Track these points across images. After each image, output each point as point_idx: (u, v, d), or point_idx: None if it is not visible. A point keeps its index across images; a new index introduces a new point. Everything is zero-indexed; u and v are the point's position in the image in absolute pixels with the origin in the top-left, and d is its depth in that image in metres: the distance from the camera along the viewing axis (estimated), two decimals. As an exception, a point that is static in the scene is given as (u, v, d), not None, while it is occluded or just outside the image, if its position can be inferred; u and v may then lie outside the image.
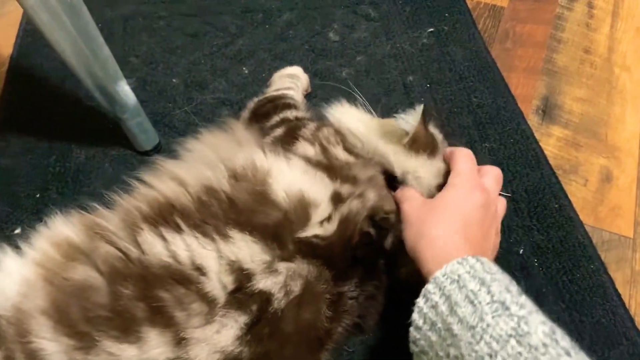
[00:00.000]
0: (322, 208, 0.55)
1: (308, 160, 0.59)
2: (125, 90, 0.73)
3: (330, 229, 0.54)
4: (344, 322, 0.56)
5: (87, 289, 0.48)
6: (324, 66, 0.94)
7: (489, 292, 0.43)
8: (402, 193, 0.59)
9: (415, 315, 0.47)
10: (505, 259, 0.71)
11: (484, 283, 0.44)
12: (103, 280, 0.49)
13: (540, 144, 0.85)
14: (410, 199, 0.57)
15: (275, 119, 0.69)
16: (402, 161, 0.61)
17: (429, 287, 0.47)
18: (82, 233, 0.53)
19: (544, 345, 0.39)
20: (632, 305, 0.70)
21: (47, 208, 0.57)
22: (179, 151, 0.63)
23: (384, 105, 0.88)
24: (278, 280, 0.50)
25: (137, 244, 0.50)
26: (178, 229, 0.51)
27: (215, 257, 0.50)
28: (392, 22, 1.02)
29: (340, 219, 0.55)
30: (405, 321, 0.48)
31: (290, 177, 0.55)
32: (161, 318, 0.47)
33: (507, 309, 0.42)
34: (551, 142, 0.87)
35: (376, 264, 0.59)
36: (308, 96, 0.88)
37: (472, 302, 0.43)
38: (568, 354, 0.39)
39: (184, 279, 0.48)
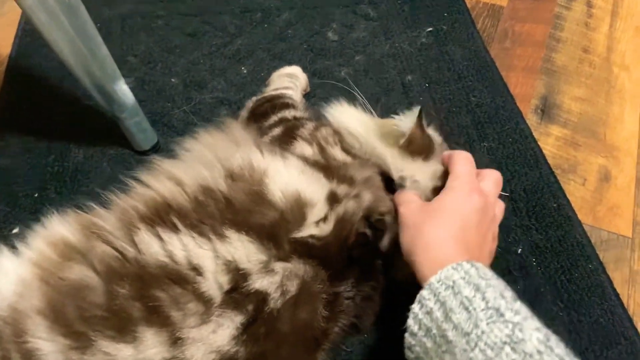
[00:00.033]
0: (318, 208, 0.54)
1: (305, 160, 0.59)
2: (123, 90, 0.72)
3: (326, 229, 0.54)
4: (341, 322, 0.56)
5: (83, 289, 0.48)
6: (323, 66, 0.94)
7: (483, 298, 0.43)
8: (400, 196, 0.59)
9: (410, 321, 0.47)
10: (503, 259, 0.71)
11: (478, 289, 0.44)
12: (99, 279, 0.48)
13: (539, 143, 0.85)
14: (408, 202, 0.57)
15: (274, 118, 0.69)
16: (400, 164, 0.61)
17: (424, 293, 0.47)
18: (78, 232, 0.53)
19: (539, 352, 0.39)
20: (630, 305, 0.70)
21: (45, 208, 0.57)
22: (177, 151, 0.63)
23: (383, 105, 0.88)
24: (274, 280, 0.50)
25: (134, 243, 0.50)
26: (175, 229, 0.51)
27: (212, 256, 0.50)
28: (391, 21, 1.02)
29: (337, 219, 0.55)
30: (403, 321, 0.48)
31: (287, 177, 0.55)
32: (157, 318, 0.47)
33: (502, 315, 0.42)
34: (550, 141, 0.87)
35: (373, 265, 0.59)
36: (307, 95, 0.88)
37: (466, 309, 0.43)
38: None
39: (180, 278, 0.48)
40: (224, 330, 0.48)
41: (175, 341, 0.46)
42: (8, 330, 0.47)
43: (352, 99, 0.73)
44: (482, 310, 0.42)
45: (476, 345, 0.41)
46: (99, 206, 0.57)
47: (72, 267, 0.49)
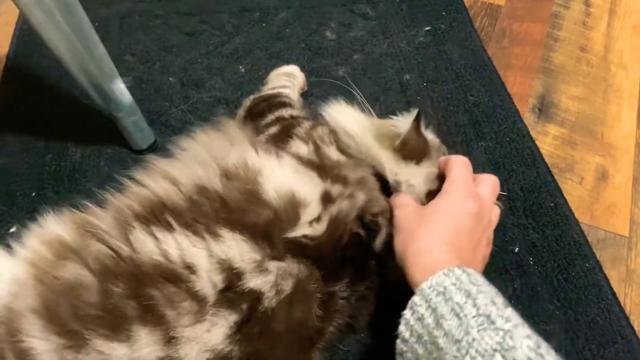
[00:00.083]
0: (312, 207, 0.54)
1: (300, 159, 0.59)
2: (120, 89, 0.73)
3: (319, 229, 0.54)
4: (336, 321, 0.56)
5: (77, 288, 0.48)
6: (321, 65, 0.94)
7: (474, 304, 0.43)
8: (396, 199, 0.59)
9: (402, 327, 0.47)
10: (500, 258, 0.71)
11: (469, 295, 0.44)
12: (94, 278, 0.49)
13: (536, 142, 0.84)
14: (403, 206, 0.57)
15: (270, 117, 0.69)
16: (394, 167, 0.61)
17: (416, 299, 0.47)
18: (73, 231, 0.53)
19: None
20: (627, 304, 0.70)
21: (42, 207, 0.57)
22: (173, 150, 0.63)
23: (381, 104, 0.88)
24: (268, 279, 0.50)
25: (129, 242, 0.51)
26: (169, 228, 0.51)
27: (206, 255, 0.50)
28: (389, 20, 1.02)
29: (330, 219, 0.55)
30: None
31: (282, 176, 0.55)
32: (152, 316, 0.47)
33: (493, 322, 0.42)
34: (547, 140, 0.87)
35: (367, 265, 0.59)
36: (305, 94, 0.88)
37: (457, 315, 0.43)
38: None
39: (175, 277, 0.48)
40: (218, 329, 0.48)
41: (170, 340, 0.46)
42: (2, 330, 0.47)
43: (350, 98, 0.73)
44: (473, 317, 0.42)
45: (467, 352, 0.41)
46: (94, 205, 0.57)
47: (67, 266, 0.49)
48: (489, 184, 0.59)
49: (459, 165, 0.58)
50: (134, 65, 0.92)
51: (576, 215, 0.76)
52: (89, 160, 0.80)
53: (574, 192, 0.80)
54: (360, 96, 0.71)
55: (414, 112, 0.62)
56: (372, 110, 0.69)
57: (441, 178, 0.59)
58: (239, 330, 0.48)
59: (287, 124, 0.67)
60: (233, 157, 0.56)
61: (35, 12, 0.60)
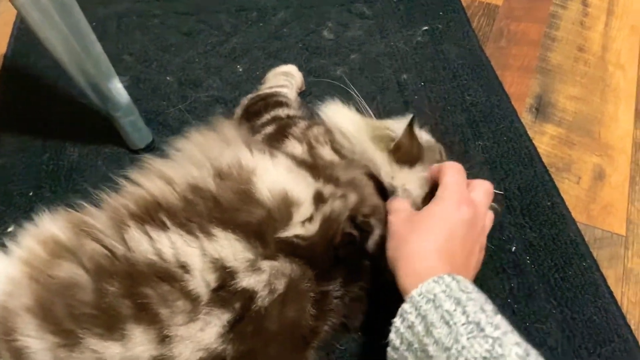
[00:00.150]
0: (305, 207, 0.55)
1: (294, 158, 0.59)
2: (117, 88, 0.73)
3: (311, 229, 0.54)
4: (330, 320, 0.56)
5: (72, 287, 0.48)
6: (318, 64, 0.94)
7: (464, 312, 0.43)
8: (392, 203, 0.59)
9: (392, 335, 0.47)
10: (497, 257, 0.72)
11: (459, 303, 0.44)
12: (88, 277, 0.49)
13: (534, 142, 0.85)
14: (397, 211, 0.57)
15: (266, 116, 0.69)
16: (389, 169, 0.61)
17: (406, 306, 0.47)
18: (68, 231, 0.53)
19: None
20: (624, 303, 0.70)
21: (40, 206, 0.58)
22: (168, 150, 0.63)
23: (378, 103, 0.88)
24: (261, 278, 0.50)
25: (124, 241, 0.51)
26: (164, 227, 0.51)
27: (199, 255, 0.50)
28: (387, 20, 1.02)
29: (322, 219, 0.55)
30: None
31: (275, 176, 0.56)
32: (146, 315, 0.47)
33: (482, 330, 0.42)
34: (544, 140, 0.87)
35: (361, 265, 0.59)
36: (302, 94, 0.88)
37: (447, 323, 0.43)
38: None
39: (169, 276, 0.49)
40: (211, 328, 0.48)
41: (163, 339, 0.46)
42: None
43: (347, 98, 0.73)
44: (463, 324, 0.43)
45: None
46: (90, 205, 0.57)
47: (62, 265, 0.50)
48: (483, 189, 0.59)
49: (452, 171, 0.58)
50: (132, 65, 0.92)
51: (573, 214, 0.76)
52: (87, 159, 0.80)
53: (571, 192, 0.81)
54: (358, 96, 0.71)
55: (409, 116, 0.62)
56: (369, 110, 0.69)
57: (434, 184, 0.59)
58: (232, 330, 0.48)
59: (283, 123, 0.67)
60: (227, 157, 0.57)
61: (33, 12, 0.60)
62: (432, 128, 0.72)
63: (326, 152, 0.61)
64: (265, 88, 0.82)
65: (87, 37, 0.66)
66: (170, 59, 0.94)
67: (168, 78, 0.91)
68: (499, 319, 0.44)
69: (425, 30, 1.01)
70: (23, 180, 0.78)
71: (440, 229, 0.52)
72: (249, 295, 0.49)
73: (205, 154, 0.58)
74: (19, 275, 0.50)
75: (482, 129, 0.86)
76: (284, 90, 0.79)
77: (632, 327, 0.67)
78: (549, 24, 1.04)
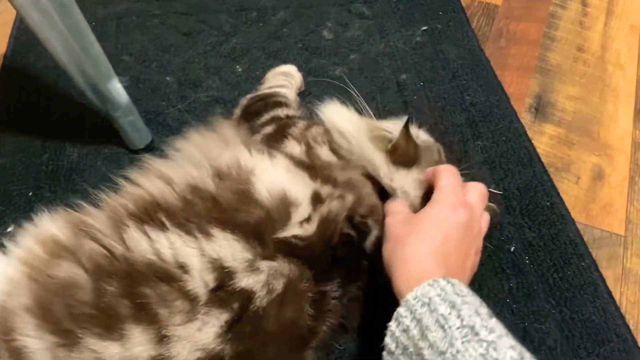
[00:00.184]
0: (303, 208, 0.55)
1: (292, 158, 0.59)
2: (117, 89, 0.73)
3: (309, 229, 0.54)
4: (329, 321, 0.56)
5: (71, 287, 0.48)
6: (318, 64, 0.94)
7: (459, 316, 0.44)
8: (389, 205, 0.59)
9: (387, 339, 0.47)
10: (496, 257, 0.72)
11: (454, 306, 0.44)
12: (87, 277, 0.49)
13: (533, 142, 0.85)
14: (394, 213, 0.57)
15: (266, 117, 0.70)
16: (390, 172, 0.61)
17: (401, 310, 0.47)
18: (67, 230, 0.53)
19: None
20: (622, 303, 0.70)
21: (39, 206, 0.58)
22: (168, 150, 0.63)
23: (378, 103, 0.88)
24: (260, 278, 0.50)
25: (123, 241, 0.51)
26: (163, 227, 0.51)
27: (198, 255, 0.50)
28: (386, 20, 1.02)
29: (320, 220, 0.55)
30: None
31: (274, 176, 0.56)
32: (145, 315, 0.47)
33: (477, 334, 0.42)
34: (544, 140, 0.87)
35: (359, 266, 0.59)
36: (302, 94, 0.88)
37: (442, 327, 0.43)
38: None
39: (168, 276, 0.49)
40: (209, 328, 0.48)
41: (162, 339, 0.46)
42: None
43: (347, 98, 0.73)
44: (457, 328, 0.43)
45: None
46: (90, 205, 0.57)
47: (61, 264, 0.50)
48: (477, 192, 0.59)
49: (447, 174, 0.58)
50: (131, 65, 0.92)
51: (572, 214, 0.76)
52: (86, 160, 0.80)
53: (570, 192, 0.81)
54: (358, 96, 0.71)
55: (404, 118, 0.62)
56: (369, 110, 0.69)
57: (429, 187, 0.59)
58: (230, 330, 0.48)
59: (282, 123, 0.67)
60: (226, 157, 0.57)
61: (32, 13, 0.60)
62: (431, 128, 0.72)
63: (324, 153, 0.61)
64: (265, 88, 0.82)
65: (86, 37, 0.66)
66: (169, 59, 0.94)
67: (167, 78, 0.91)
68: (494, 322, 0.44)
69: (425, 30, 1.01)
70: (22, 180, 0.78)
71: (436, 232, 0.52)
72: (247, 296, 0.49)
73: (205, 154, 0.59)
74: (18, 275, 0.50)
75: (482, 129, 0.86)
76: (283, 91, 0.80)
77: (631, 327, 0.67)
78: (548, 24, 1.04)
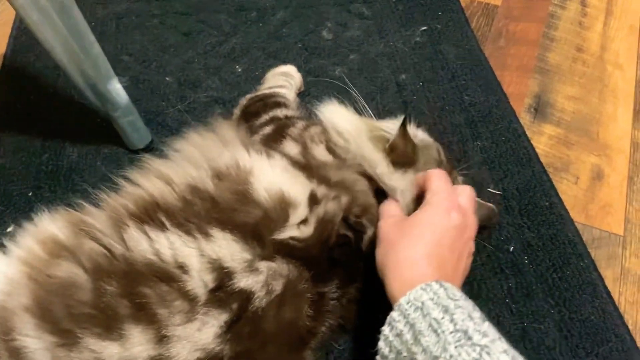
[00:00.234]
0: (301, 209, 0.55)
1: (290, 158, 0.59)
2: (116, 89, 0.73)
3: (306, 231, 0.54)
4: (328, 321, 0.57)
5: (70, 286, 0.48)
6: (317, 64, 0.94)
7: (452, 320, 0.44)
8: (383, 208, 0.59)
9: (381, 344, 0.47)
10: (495, 257, 0.72)
11: (447, 311, 0.44)
12: (87, 277, 0.49)
13: (532, 142, 0.85)
14: (388, 216, 0.57)
15: (265, 117, 0.70)
16: (389, 172, 0.61)
17: (394, 314, 0.47)
18: (67, 230, 0.53)
19: None
20: (621, 303, 0.70)
21: (39, 206, 0.58)
22: (167, 151, 0.63)
23: (378, 104, 0.88)
24: (259, 279, 0.50)
25: (123, 240, 0.51)
26: (162, 227, 0.51)
27: (197, 255, 0.50)
28: (385, 20, 1.02)
29: (317, 221, 0.55)
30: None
31: (272, 176, 0.56)
32: (144, 315, 0.47)
33: (470, 338, 0.42)
34: (543, 140, 0.87)
35: (357, 267, 0.59)
36: (301, 94, 0.88)
37: (435, 331, 0.43)
38: None
39: (167, 276, 0.49)
40: (208, 328, 0.48)
41: (161, 339, 0.47)
42: None
43: (346, 99, 0.74)
44: (451, 333, 0.43)
45: None
46: (90, 204, 0.57)
47: (61, 264, 0.50)
48: (466, 194, 0.59)
49: (438, 177, 0.58)
50: (131, 65, 0.93)
51: (571, 214, 0.77)
52: (86, 160, 0.80)
53: (569, 192, 0.81)
54: (358, 95, 0.71)
55: (401, 117, 0.62)
56: (369, 110, 0.70)
57: (421, 191, 0.59)
58: (230, 330, 0.49)
59: (281, 124, 0.67)
60: (225, 158, 0.57)
61: (32, 13, 0.60)
62: (431, 128, 0.72)
63: (320, 152, 0.61)
64: (264, 88, 0.82)
65: (86, 37, 0.66)
66: (169, 59, 0.94)
67: (167, 78, 0.91)
68: (487, 326, 0.44)
69: (424, 30, 1.01)
70: (22, 180, 0.78)
71: (429, 235, 0.52)
72: (246, 296, 0.49)
73: (204, 154, 0.59)
74: (17, 275, 0.50)
75: (481, 129, 0.86)
76: (282, 91, 0.80)
77: (630, 327, 0.67)
78: (547, 24, 1.04)
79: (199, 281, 0.49)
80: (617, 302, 0.69)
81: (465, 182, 0.70)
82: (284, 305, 0.51)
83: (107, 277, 0.48)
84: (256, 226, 0.52)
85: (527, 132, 0.86)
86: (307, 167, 0.58)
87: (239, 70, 0.93)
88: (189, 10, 1.03)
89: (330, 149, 0.62)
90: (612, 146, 0.86)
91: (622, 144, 0.87)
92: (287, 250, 0.52)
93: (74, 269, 0.49)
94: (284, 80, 0.84)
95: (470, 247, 0.58)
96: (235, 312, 0.49)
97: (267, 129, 0.66)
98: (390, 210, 0.58)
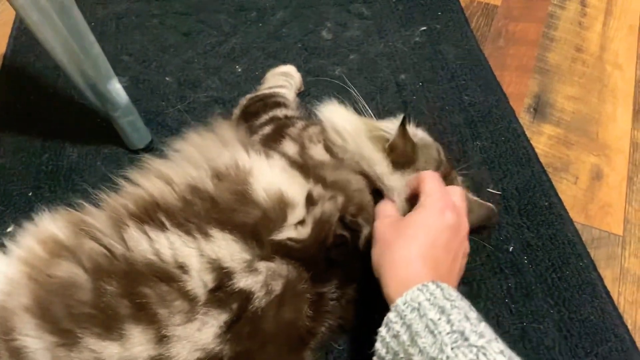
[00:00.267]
0: (298, 209, 0.55)
1: (288, 158, 0.59)
2: (116, 89, 0.73)
3: (304, 232, 0.54)
4: (327, 322, 0.57)
5: (70, 286, 0.48)
6: (317, 64, 0.94)
7: (448, 321, 0.44)
8: (378, 208, 0.59)
9: (378, 345, 0.47)
10: (495, 257, 0.72)
11: (443, 311, 0.44)
12: (87, 277, 0.49)
13: (532, 142, 0.85)
14: (383, 217, 0.57)
15: (264, 117, 0.70)
16: (387, 172, 0.61)
17: (391, 315, 0.47)
18: (68, 230, 0.53)
19: None
20: (620, 303, 0.70)
21: (39, 206, 0.58)
22: (167, 151, 0.64)
23: (377, 103, 0.89)
24: (258, 279, 0.50)
25: (123, 240, 0.51)
26: (162, 227, 0.51)
27: (197, 255, 0.50)
28: (385, 20, 1.02)
29: (314, 222, 0.55)
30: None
31: (270, 176, 0.56)
32: (144, 315, 0.47)
33: (467, 339, 0.42)
34: (542, 140, 0.87)
35: (356, 267, 0.59)
36: (301, 94, 0.89)
37: (432, 332, 0.43)
38: None
39: (167, 276, 0.49)
40: (208, 328, 0.48)
41: (161, 339, 0.47)
42: None
43: (346, 99, 0.74)
44: (447, 334, 0.43)
45: None
46: (90, 204, 0.57)
47: (61, 264, 0.50)
48: (459, 195, 0.59)
49: (431, 178, 0.58)
50: (131, 65, 0.93)
51: (571, 214, 0.77)
52: (86, 160, 0.80)
53: (568, 192, 0.81)
54: (358, 95, 0.71)
55: (400, 117, 0.62)
56: (369, 110, 0.70)
57: (415, 193, 0.59)
58: (229, 330, 0.49)
59: (280, 124, 0.67)
60: (224, 158, 0.57)
61: (31, 13, 0.60)
62: (430, 128, 0.72)
63: (317, 152, 0.61)
64: (264, 88, 0.82)
65: (85, 37, 0.66)
66: (169, 59, 0.94)
67: (167, 78, 0.91)
68: (483, 326, 0.44)
69: (424, 30, 1.01)
70: (22, 180, 0.78)
71: (424, 236, 0.52)
72: (245, 296, 0.50)
73: (203, 154, 0.59)
74: (18, 275, 0.50)
75: (480, 129, 0.86)
76: (282, 91, 0.80)
77: (629, 326, 0.67)
78: (547, 24, 1.04)
79: (199, 281, 0.49)
80: (616, 302, 0.69)
81: (464, 182, 0.70)
82: (283, 306, 0.51)
83: (107, 277, 0.48)
84: (255, 226, 0.52)
85: (527, 132, 0.86)
86: (304, 167, 0.59)
87: (239, 70, 0.93)
88: (188, 10, 1.03)
89: (328, 148, 0.62)
90: (612, 146, 0.87)
91: (622, 144, 0.87)
92: (285, 251, 0.53)
93: (74, 269, 0.50)
94: (283, 80, 0.84)
95: (465, 247, 0.58)
96: (235, 312, 0.49)
97: (267, 129, 0.66)
98: (386, 210, 0.58)
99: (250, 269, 0.51)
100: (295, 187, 0.56)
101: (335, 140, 0.63)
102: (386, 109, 0.88)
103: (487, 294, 0.69)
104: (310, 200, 0.56)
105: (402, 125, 0.61)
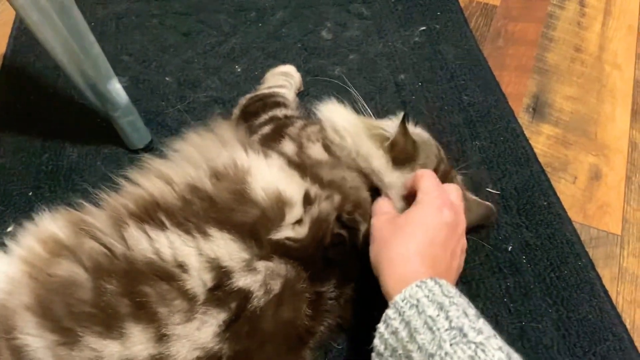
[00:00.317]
0: (296, 209, 0.55)
1: (286, 158, 0.59)
2: (116, 89, 0.73)
3: (301, 232, 0.55)
4: (326, 321, 0.57)
5: (71, 285, 0.48)
6: (317, 64, 0.94)
7: (447, 317, 0.44)
8: (376, 206, 0.59)
9: (376, 341, 0.47)
10: (493, 256, 0.72)
11: (442, 308, 0.45)
12: (87, 276, 0.49)
13: (530, 142, 0.85)
14: (381, 214, 0.57)
15: (264, 117, 0.70)
16: (387, 170, 0.61)
17: (389, 312, 0.47)
18: (68, 229, 0.53)
19: None
20: (619, 302, 0.70)
21: (39, 206, 0.58)
22: (166, 151, 0.64)
23: (377, 103, 0.89)
24: (257, 278, 0.51)
25: (123, 239, 0.51)
26: (162, 227, 0.52)
27: (196, 254, 0.50)
28: (385, 20, 1.03)
29: (312, 221, 0.55)
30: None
31: (269, 176, 0.56)
32: (145, 314, 0.47)
33: (465, 335, 0.42)
34: (541, 140, 0.87)
35: (354, 266, 0.59)
36: (301, 94, 0.89)
37: (430, 329, 0.44)
38: None
39: (167, 275, 0.49)
40: (207, 327, 0.48)
41: (161, 338, 0.47)
42: None
43: (345, 98, 0.74)
44: (446, 330, 0.43)
45: None
46: (90, 204, 0.58)
47: (61, 263, 0.50)
48: (456, 193, 0.59)
49: (428, 176, 0.58)
50: (131, 65, 0.93)
51: (569, 214, 0.77)
52: (86, 159, 0.81)
53: (567, 191, 0.81)
54: (357, 95, 0.72)
55: (400, 115, 0.62)
56: (368, 110, 0.70)
57: (412, 191, 0.59)
58: (228, 329, 0.49)
59: (280, 123, 0.68)
60: (223, 158, 0.57)
61: (31, 13, 0.60)
62: (430, 128, 0.72)
63: (316, 151, 0.62)
64: (264, 88, 0.82)
65: (85, 37, 0.67)
66: (169, 59, 0.94)
67: (167, 78, 0.91)
68: (482, 323, 0.44)
69: (423, 30, 1.01)
70: (22, 180, 0.78)
71: (422, 233, 0.52)
72: (244, 295, 0.50)
73: (203, 154, 0.59)
74: (18, 274, 0.50)
75: (479, 129, 0.86)
76: (282, 91, 0.80)
77: (627, 326, 0.67)
78: (546, 24, 1.05)
79: (198, 280, 0.49)
80: (614, 301, 0.69)
81: (464, 182, 0.70)
82: (282, 305, 0.51)
83: (107, 276, 0.48)
84: (254, 226, 0.52)
85: (526, 132, 0.86)
86: (301, 166, 0.59)
87: (239, 70, 0.93)
88: (188, 10, 1.03)
89: (327, 147, 0.62)
90: (610, 146, 0.87)
91: (620, 143, 0.87)
92: (283, 250, 0.53)
93: (74, 268, 0.50)
94: (283, 80, 0.84)
95: (463, 243, 0.58)
96: (234, 312, 0.49)
97: (267, 129, 0.67)
98: (383, 208, 0.59)
99: (249, 268, 0.51)
100: (293, 187, 0.56)
101: (334, 138, 0.63)
102: (385, 108, 0.88)
103: (485, 293, 0.69)
104: (307, 200, 0.56)
105: (403, 122, 0.61)
